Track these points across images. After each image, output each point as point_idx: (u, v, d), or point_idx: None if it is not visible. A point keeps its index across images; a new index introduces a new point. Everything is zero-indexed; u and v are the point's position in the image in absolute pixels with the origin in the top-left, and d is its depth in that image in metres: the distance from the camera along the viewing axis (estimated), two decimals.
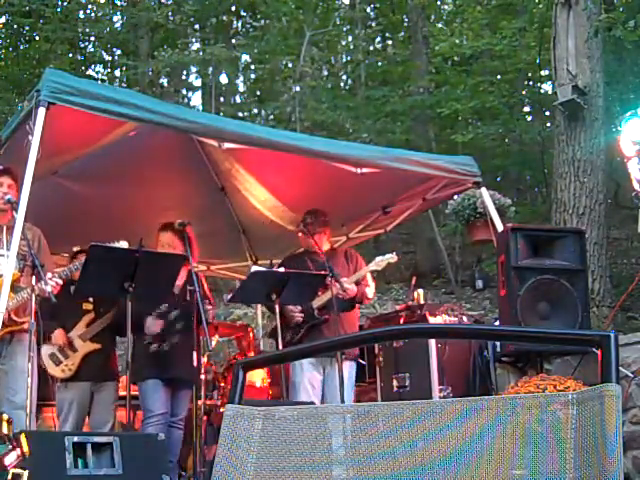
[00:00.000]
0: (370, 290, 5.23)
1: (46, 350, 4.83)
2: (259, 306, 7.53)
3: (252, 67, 18.10)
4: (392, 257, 5.10)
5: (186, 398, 4.95)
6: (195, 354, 4.86)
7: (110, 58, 17.29)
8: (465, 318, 5.69)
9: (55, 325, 4.85)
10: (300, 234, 5.25)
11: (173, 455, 4.70)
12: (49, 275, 4.03)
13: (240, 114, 16.40)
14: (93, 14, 16.56)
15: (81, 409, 4.92)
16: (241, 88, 18.89)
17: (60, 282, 4.12)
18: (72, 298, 4.78)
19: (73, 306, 4.96)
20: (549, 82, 13.91)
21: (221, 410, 5.29)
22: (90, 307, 5.09)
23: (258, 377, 6.05)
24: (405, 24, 17.44)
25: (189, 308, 4.69)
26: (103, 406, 5.00)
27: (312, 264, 5.12)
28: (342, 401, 4.61)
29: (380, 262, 5.08)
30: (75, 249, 5.17)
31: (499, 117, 13.87)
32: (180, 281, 4.78)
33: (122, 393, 5.14)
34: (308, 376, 4.95)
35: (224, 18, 17.65)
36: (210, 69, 15.97)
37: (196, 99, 18.57)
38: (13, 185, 4.21)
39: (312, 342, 4.71)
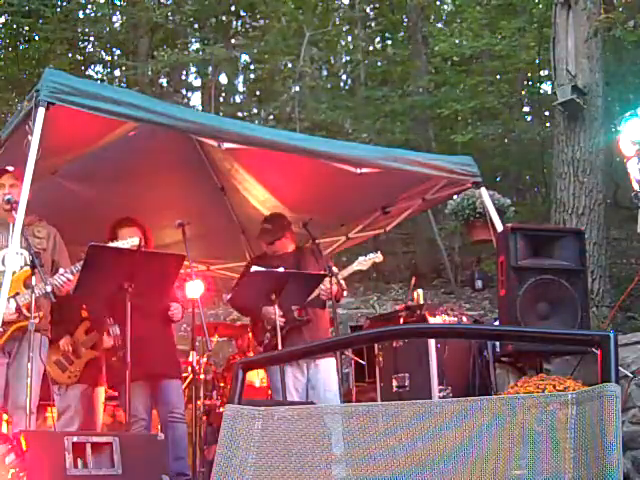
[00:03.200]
0: (343, 290, 5.19)
1: (52, 356, 4.83)
2: None
3: (252, 67, 18.12)
4: (377, 256, 5.05)
5: (177, 389, 4.92)
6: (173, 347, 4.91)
7: (109, 58, 17.28)
8: (465, 318, 5.70)
9: (61, 331, 4.87)
10: (262, 243, 5.26)
11: (182, 451, 4.67)
12: (61, 271, 4.04)
13: (240, 114, 16.41)
14: (92, 14, 16.55)
15: (84, 412, 4.98)
16: (241, 88, 18.91)
17: (71, 277, 4.11)
18: (74, 304, 4.79)
19: (76, 312, 4.99)
20: (549, 82, 13.92)
21: (220, 410, 5.29)
22: (86, 314, 5.14)
23: (257, 377, 6.05)
24: (404, 24, 17.43)
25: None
26: (97, 410, 5.10)
27: (282, 264, 5.09)
28: (341, 400, 4.61)
29: (364, 261, 5.04)
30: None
31: (499, 117, 13.88)
32: None
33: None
34: (291, 380, 4.92)
35: (223, 18, 17.65)
36: (210, 69, 15.98)
37: (196, 99, 18.59)
38: (15, 185, 4.20)
39: (293, 344, 4.72)
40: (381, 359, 5.54)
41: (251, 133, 4.79)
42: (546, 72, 13.17)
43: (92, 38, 16.51)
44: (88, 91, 4.16)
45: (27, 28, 15.52)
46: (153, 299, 4.71)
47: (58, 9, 15.32)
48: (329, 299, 4.96)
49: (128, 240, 4.31)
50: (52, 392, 4.90)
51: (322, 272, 4.88)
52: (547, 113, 14.33)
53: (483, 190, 5.63)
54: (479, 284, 12.13)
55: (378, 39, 18.76)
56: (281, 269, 4.91)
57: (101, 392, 5.20)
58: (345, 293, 5.19)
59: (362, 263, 5.04)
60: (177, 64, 15.29)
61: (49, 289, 3.91)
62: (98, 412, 5.14)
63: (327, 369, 4.95)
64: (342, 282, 4.91)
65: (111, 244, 4.28)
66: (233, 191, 6.20)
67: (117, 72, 17.55)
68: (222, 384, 5.86)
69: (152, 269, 4.29)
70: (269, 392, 5.93)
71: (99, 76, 16.80)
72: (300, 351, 2.41)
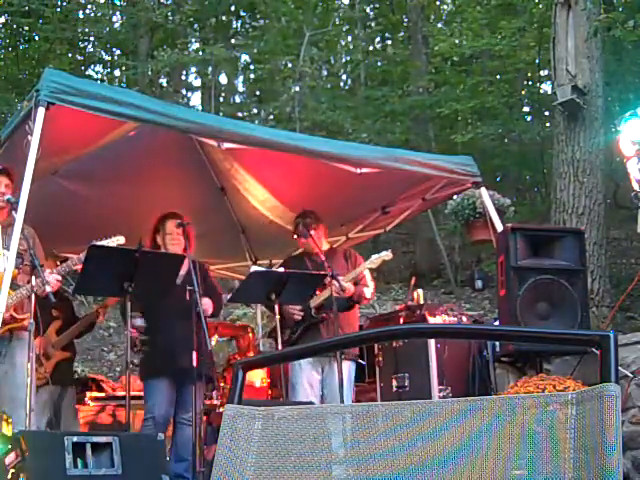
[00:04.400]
0: (368, 290, 5.22)
1: None
2: (259, 306, 7.52)
3: (252, 67, 18.11)
4: (387, 254, 5.08)
5: (191, 394, 4.90)
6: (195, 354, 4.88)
7: (109, 58, 17.28)
8: (465, 318, 5.69)
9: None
10: (296, 237, 5.26)
11: (187, 453, 4.67)
12: (48, 271, 4.04)
13: (240, 114, 16.40)
14: (92, 14, 16.55)
15: (51, 413, 5.01)
16: (241, 88, 18.91)
17: (59, 279, 4.12)
18: (45, 303, 4.77)
19: (47, 312, 4.95)
20: (549, 82, 13.92)
21: (220, 410, 5.29)
22: (57, 313, 5.13)
23: (257, 377, 6.05)
24: (404, 24, 17.44)
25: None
26: (69, 411, 5.17)
27: (311, 264, 5.13)
28: (342, 401, 4.61)
29: (375, 260, 5.07)
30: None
31: (499, 117, 13.87)
32: (183, 270, 4.70)
33: (121, 393, 5.20)
34: (307, 376, 4.94)
35: (223, 18, 17.65)
36: (210, 69, 15.97)
37: (196, 99, 18.59)
38: (10, 185, 4.20)
39: (310, 341, 4.74)
40: (381, 359, 5.54)
41: (251, 133, 4.79)
42: (546, 72, 13.18)
43: (92, 38, 16.49)
44: (88, 91, 4.17)
45: (27, 28, 15.50)
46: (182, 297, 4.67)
47: (58, 9, 15.31)
48: (345, 299, 5.00)
49: (113, 239, 4.30)
50: None
51: (321, 272, 4.88)
52: (547, 113, 14.32)
53: (483, 190, 5.64)
54: (479, 284, 12.13)
55: (378, 39, 18.77)
56: (280, 269, 4.92)
57: (72, 393, 5.25)
58: (369, 294, 5.23)
59: (373, 262, 5.07)
60: (177, 64, 15.29)
61: (49, 289, 3.91)
62: (72, 412, 5.17)
63: (343, 369, 4.90)
64: (343, 284, 4.90)
65: (101, 242, 4.26)
66: (233, 191, 6.20)
67: (117, 72, 17.57)
68: (222, 384, 5.85)
69: (152, 269, 4.29)
70: (269, 392, 5.93)
71: (99, 76, 16.81)
72: (301, 351, 2.41)
